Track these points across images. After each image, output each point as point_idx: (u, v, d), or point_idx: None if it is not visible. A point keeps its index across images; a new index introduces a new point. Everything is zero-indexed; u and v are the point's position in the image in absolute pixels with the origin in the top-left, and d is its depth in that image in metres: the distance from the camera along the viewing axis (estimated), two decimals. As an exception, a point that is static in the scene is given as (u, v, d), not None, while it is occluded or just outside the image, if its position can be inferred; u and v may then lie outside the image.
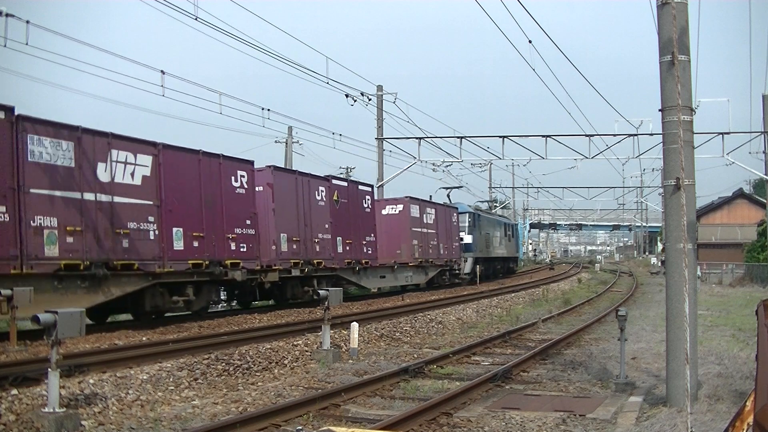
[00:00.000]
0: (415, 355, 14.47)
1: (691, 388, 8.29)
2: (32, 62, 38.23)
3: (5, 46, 16.52)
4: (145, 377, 10.67)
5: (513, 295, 30.75)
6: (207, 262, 18.11)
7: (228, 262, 18.83)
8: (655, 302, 26.94)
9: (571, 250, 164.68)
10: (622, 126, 35.51)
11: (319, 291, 14.49)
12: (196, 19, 18.72)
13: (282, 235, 21.45)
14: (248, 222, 19.66)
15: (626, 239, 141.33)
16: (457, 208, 39.31)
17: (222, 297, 22.78)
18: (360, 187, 26.85)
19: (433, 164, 40.55)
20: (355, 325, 14.70)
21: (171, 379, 10.93)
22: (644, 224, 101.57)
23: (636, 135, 35.45)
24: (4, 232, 12.98)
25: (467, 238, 40.44)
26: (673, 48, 9.18)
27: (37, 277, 13.62)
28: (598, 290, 36.28)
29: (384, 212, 30.63)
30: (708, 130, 35.95)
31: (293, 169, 25.77)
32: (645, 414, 9.33)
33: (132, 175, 16.16)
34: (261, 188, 20.85)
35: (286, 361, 13.23)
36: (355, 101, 31.48)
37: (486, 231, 44.80)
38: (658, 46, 9.79)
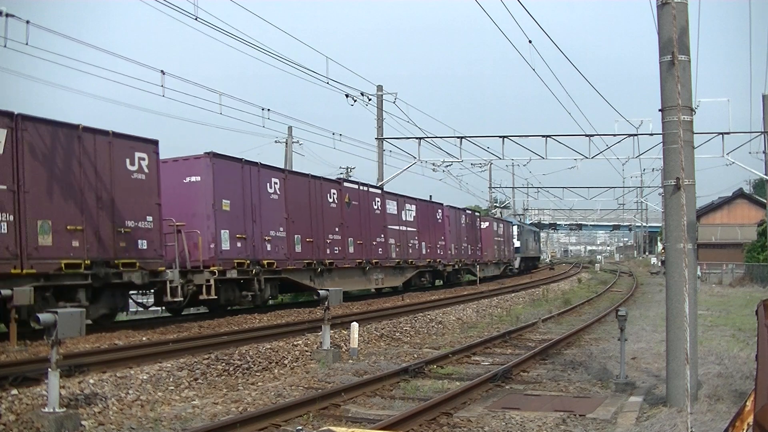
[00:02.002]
0: (415, 355, 14.47)
1: (691, 388, 8.29)
2: (32, 62, 38.03)
3: (5, 46, 16.49)
4: (145, 377, 10.67)
5: (513, 295, 30.77)
6: (432, 260, 34.03)
7: (438, 260, 34.90)
8: (655, 302, 26.95)
9: (571, 250, 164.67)
10: (622, 126, 35.41)
11: (319, 291, 14.46)
12: (196, 19, 18.68)
13: (452, 244, 37.39)
14: (443, 237, 35.95)
15: (626, 239, 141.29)
16: (511, 222, 57.49)
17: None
18: (475, 213, 44.97)
19: (433, 164, 40.62)
20: (355, 325, 14.70)
21: (171, 379, 10.93)
22: (644, 224, 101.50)
23: (636, 135, 35.34)
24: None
25: (516, 243, 57.04)
26: (673, 48, 9.19)
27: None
28: (598, 290, 36.30)
29: None
30: (708, 130, 35.77)
31: (454, 206, 39.30)
32: (645, 414, 9.33)
33: (410, 215, 31.76)
34: (444, 218, 36.46)
35: (286, 361, 13.23)
36: (355, 101, 31.43)
37: (525, 237, 62.26)
38: (658, 46, 9.79)
